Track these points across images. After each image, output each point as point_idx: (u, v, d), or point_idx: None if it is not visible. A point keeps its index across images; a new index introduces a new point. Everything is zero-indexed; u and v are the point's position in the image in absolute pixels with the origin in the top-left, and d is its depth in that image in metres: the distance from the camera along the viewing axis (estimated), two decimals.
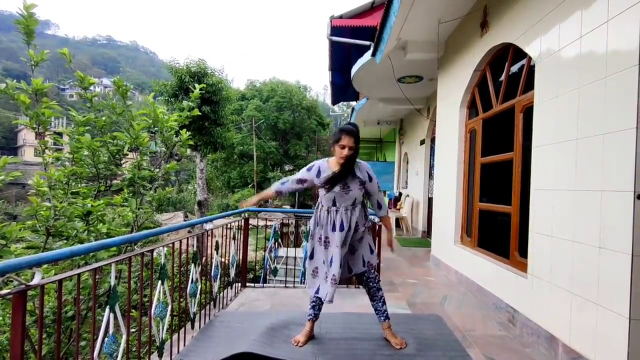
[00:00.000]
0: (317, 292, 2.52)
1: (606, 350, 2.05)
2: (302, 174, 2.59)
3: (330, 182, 2.43)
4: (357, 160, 2.51)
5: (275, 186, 2.65)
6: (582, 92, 2.32)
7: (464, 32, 4.35)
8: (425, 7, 4.08)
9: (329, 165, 2.52)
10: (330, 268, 2.45)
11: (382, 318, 2.61)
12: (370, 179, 2.51)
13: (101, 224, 3.12)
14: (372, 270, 2.61)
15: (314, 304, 2.61)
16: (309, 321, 2.63)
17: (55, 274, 2.25)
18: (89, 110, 3.49)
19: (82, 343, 3.33)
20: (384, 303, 2.62)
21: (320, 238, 2.53)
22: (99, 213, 3.15)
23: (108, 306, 1.74)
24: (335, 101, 14.31)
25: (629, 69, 1.94)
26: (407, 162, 9.85)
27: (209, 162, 24.29)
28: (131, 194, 3.49)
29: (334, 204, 2.47)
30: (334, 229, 2.45)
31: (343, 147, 2.38)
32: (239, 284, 4.03)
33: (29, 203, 2.83)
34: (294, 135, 29.35)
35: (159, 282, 2.24)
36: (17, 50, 72.58)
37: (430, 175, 7.93)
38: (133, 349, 2.17)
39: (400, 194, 9.50)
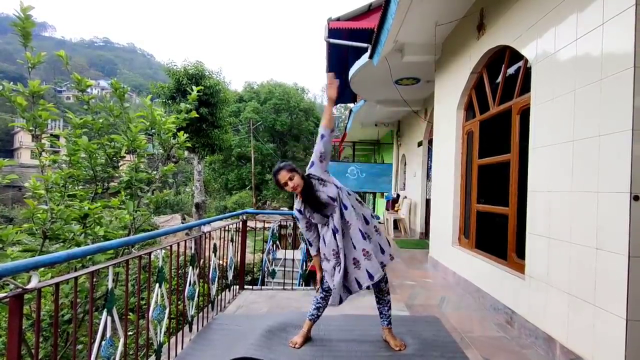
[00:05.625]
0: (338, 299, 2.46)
1: (604, 351, 2.06)
2: (300, 221, 2.58)
3: (308, 209, 2.46)
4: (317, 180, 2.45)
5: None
6: (578, 94, 2.34)
7: (461, 34, 4.37)
8: (422, 10, 4.10)
9: (298, 200, 2.51)
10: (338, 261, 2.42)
11: (385, 322, 2.62)
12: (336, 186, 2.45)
13: (98, 227, 3.11)
14: (384, 268, 2.55)
15: (318, 305, 2.60)
16: (309, 320, 2.62)
17: (52, 277, 2.24)
18: (86, 112, 3.48)
19: (79, 347, 3.31)
20: (389, 308, 2.62)
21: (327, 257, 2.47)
22: (96, 216, 3.14)
23: (105, 309, 1.73)
24: None
25: (624, 71, 1.96)
26: (405, 164, 9.87)
27: (207, 164, 24.25)
28: (128, 197, 3.48)
29: (324, 215, 2.45)
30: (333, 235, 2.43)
31: (285, 184, 2.39)
32: (237, 287, 4.02)
33: (25, 206, 2.81)
34: (292, 137, 29.39)
35: (157, 284, 2.23)
36: (13, 53, 72.32)
37: (428, 177, 7.96)
38: (130, 352, 2.16)
39: (398, 195, 9.52)
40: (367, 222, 2.50)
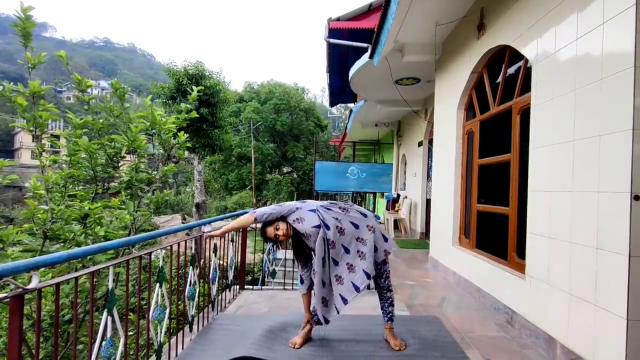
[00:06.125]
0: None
1: (604, 351, 2.06)
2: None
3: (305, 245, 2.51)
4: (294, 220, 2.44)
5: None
6: (578, 94, 2.34)
7: (461, 34, 4.37)
8: (422, 9, 4.10)
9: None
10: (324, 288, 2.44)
11: (386, 319, 2.61)
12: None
13: (99, 227, 3.11)
14: (386, 266, 2.55)
15: (315, 312, 2.62)
16: (309, 324, 2.63)
17: (53, 277, 2.24)
18: (87, 112, 3.48)
19: (80, 347, 3.31)
20: (390, 304, 2.60)
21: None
22: (97, 216, 3.14)
23: (106, 309, 1.73)
24: (333, 103, 14.35)
25: (624, 71, 1.96)
26: (405, 164, 9.87)
27: (207, 164, 24.25)
28: (129, 197, 3.48)
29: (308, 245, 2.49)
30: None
31: (277, 237, 2.41)
32: (237, 287, 4.02)
33: (25, 206, 2.82)
34: (292, 137, 29.36)
35: (157, 285, 2.23)
36: (14, 53, 72.39)
37: (428, 177, 7.95)
38: (131, 352, 2.16)
39: (399, 195, 9.51)
40: (356, 227, 2.43)
